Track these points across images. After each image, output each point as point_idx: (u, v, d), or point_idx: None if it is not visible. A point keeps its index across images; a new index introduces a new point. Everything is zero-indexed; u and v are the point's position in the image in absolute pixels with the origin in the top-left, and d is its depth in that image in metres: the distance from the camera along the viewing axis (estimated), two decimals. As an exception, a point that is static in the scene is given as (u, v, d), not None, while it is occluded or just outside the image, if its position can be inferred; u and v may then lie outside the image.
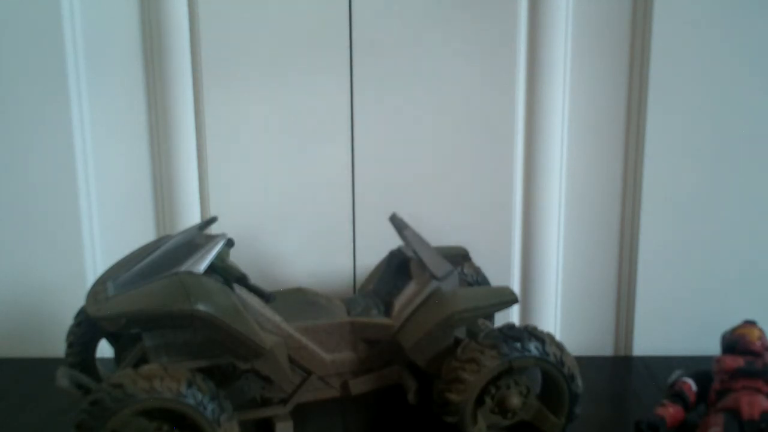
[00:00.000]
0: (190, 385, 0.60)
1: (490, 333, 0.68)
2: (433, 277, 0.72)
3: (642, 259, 0.89)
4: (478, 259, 0.84)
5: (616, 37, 0.86)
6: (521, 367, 0.67)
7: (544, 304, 0.91)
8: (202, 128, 0.88)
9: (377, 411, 0.76)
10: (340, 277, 0.91)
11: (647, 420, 0.69)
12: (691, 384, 0.71)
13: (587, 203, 0.90)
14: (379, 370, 0.73)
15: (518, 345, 0.66)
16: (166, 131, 0.88)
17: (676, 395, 0.71)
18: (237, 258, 0.72)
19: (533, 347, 0.67)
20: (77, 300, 0.73)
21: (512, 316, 0.91)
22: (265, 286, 0.70)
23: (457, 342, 0.69)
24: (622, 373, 0.87)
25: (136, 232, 0.89)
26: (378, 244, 0.82)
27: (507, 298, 0.71)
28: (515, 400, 0.68)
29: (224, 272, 0.68)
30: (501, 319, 0.85)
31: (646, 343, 0.90)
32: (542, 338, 0.67)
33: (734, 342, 0.71)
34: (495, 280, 0.86)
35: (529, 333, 0.68)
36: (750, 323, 0.72)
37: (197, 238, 0.70)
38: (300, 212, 0.89)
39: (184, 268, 0.64)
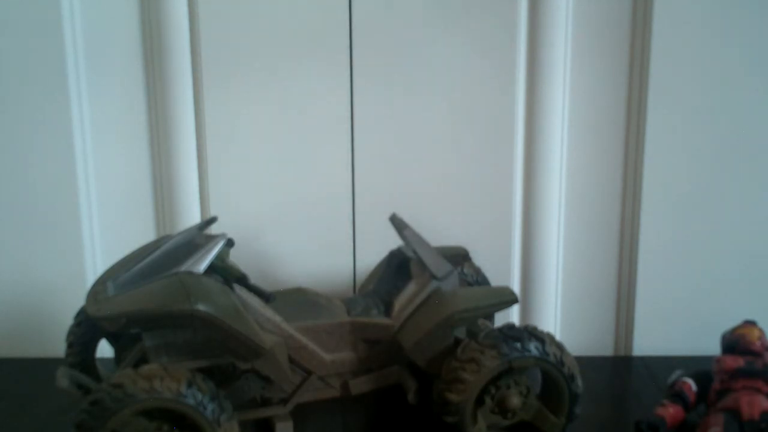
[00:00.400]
0: (190, 385, 0.60)
1: (490, 333, 0.68)
2: (433, 277, 0.72)
3: (642, 259, 0.89)
4: (478, 259, 0.84)
5: (616, 37, 0.86)
6: (521, 367, 0.67)
7: (544, 304, 0.91)
8: (202, 128, 0.88)
9: (377, 411, 0.76)
10: (340, 277, 0.91)
11: (647, 420, 0.69)
12: (691, 384, 0.71)
13: (587, 203, 0.90)
14: (379, 370, 0.73)
15: (518, 345, 0.66)
16: (166, 131, 0.88)
17: (676, 395, 0.71)
18: (237, 258, 0.72)
19: (533, 347, 0.67)
20: (77, 300, 0.73)
21: (512, 316, 0.91)
22: (265, 286, 0.70)
23: (457, 342, 0.69)
24: (622, 373, 0.87)
25: (136, 232, 0.89)
26: (378, 244, 0.82)
27: (507, 298, 0.71)
28: (515, 400, 0.68)
29: (224, 272, 0.68)
30: (501, 319, 0.85)
31: (646, 343, 0.90)
32: (542, 338, 0.67)
33: (734, 342, 0.71)
34: (495, 280, 0.86)
35: (529, 333, 0.68)
36: (750, 323, 0.72)
37: (197, 238, 0.70)
38: (300, 212, 0.89)
39: (184, 268, 0.64)
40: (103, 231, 0.90)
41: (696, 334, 0.89)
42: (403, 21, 0.86)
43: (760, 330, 0.71)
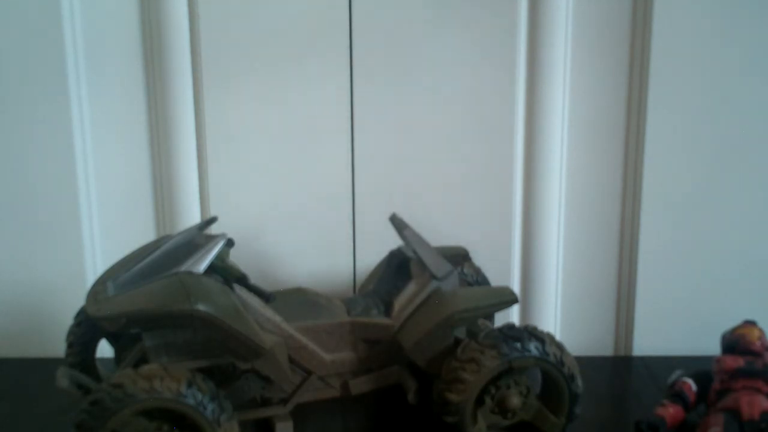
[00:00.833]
0: (190, 385, 0.60)
1: (490, 333, 0.68)
2: (433, 277, 0.72)
3: (642, 259, 0.89)
4: (478, 259, 0.84)
5: (616, 37, 0.86)
6: (521, 367, 0.67)
7: (544, 304, 0.91)
8: (202, 128, 0.88)
9: (377, 411, 0.76)
10: (340, 277, 0.91)
11: (647, 420, 0.69)
12: (691, 384, 0.71)
13: (587, 203, 0.90)
14: (379, 370, 0.73)
15: (518, 345, 0.66)
16: (166, 131, 0.88)
17: (676, 395, 0.71)
18: (237, 258, 0.72)
19: (533, 347, 0.67)
20: (77, 300, 0.73)
21: (512, 316, 0.91)
22: (265, 286, 0.70)
23: (457, 342, 0.69)
24: (622, 373, 0.87)
25: (136, 232, 0.89)
26: (378, 244, 0.82)
27: (507, 298, 0.71)
28: (515, 400, 0.68)
29: (224, 272, 0.68)
30: (501, 319, 0.85)
31: (646, 343, 0.90)
32: (542, 338, 0.67)
33: (734, 342, 0.71)
34: (495, 280, 0.86)
35: (529, 333, 0.68)
36: (750, 323, 0.72)
37: (197, 238, 0.70)
38: (300, 212, 0.89)
39: (184, 268, 0.64)
40: (103, 231, 0.90)
41: (696, 334, 0.89)
42: (403, 21, 0.86)
43: (760, 330, 0.71)
